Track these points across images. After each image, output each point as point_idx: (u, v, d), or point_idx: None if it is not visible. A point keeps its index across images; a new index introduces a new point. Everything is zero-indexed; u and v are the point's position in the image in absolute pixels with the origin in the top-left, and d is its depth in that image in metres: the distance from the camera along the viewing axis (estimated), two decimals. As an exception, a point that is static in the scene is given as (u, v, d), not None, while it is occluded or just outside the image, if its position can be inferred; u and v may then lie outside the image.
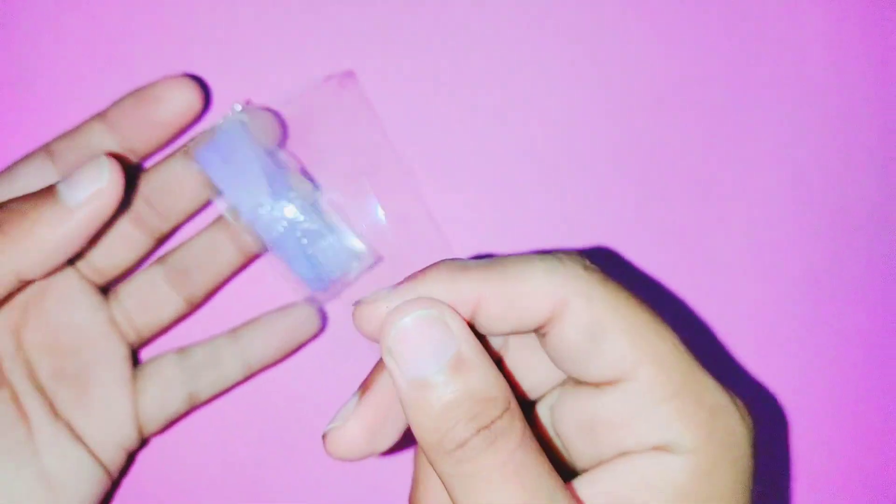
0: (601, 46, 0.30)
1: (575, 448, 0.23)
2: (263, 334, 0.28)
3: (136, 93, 0.27)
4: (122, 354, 0.27)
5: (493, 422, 0.19)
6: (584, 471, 0.23)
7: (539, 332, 0.21)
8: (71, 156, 0.26)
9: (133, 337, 0.28)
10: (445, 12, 0.30)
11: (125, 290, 0.28)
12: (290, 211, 0.27)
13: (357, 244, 0.28)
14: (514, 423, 0.19)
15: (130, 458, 0.28)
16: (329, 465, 0.29)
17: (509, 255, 0.21)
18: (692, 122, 0.31)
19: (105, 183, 0.23)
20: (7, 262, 0.23)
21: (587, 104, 0.30)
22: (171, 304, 0.28)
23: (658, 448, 0.20)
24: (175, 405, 0.28)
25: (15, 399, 0.26)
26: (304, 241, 0.27)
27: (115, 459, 0.27)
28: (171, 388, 0.28)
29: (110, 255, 0.27)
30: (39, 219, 0.23)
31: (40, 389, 0.27)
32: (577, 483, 0.20)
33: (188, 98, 0.26)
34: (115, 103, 0.27)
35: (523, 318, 0.20)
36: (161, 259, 0.28)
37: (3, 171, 0.26)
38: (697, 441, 0.20)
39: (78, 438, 0.27)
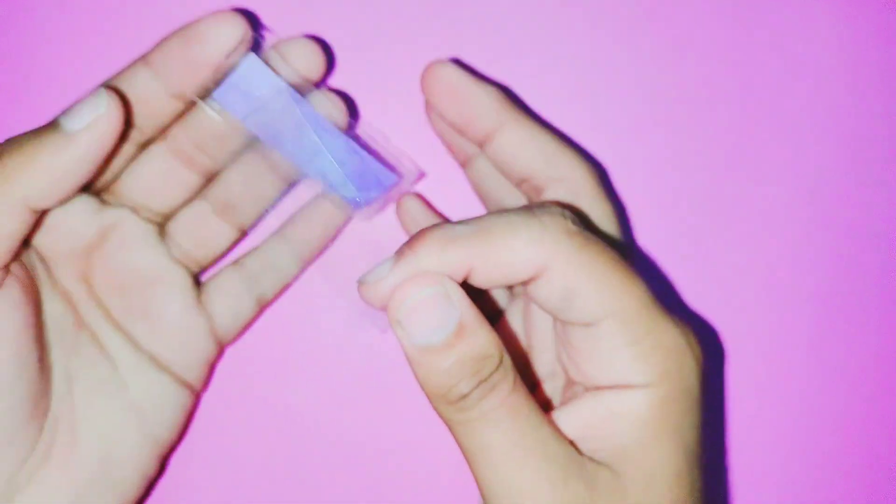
0: (607, 52, 0.31)
1: (540, 350, 0.26)
2: (306, 226, 0.29)
3: (180, 32, 0.25)
4: (187, 284, 0.28)
5: (490, 375, 0.21)
6: (544, 378, 0.27)
7: (523, 284, 0.23)
8: None
9: (194, 268, 0.29)
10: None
11: (176, 229, 0.28)
12: (319, 136, 0.25)
13: (399, 163, 0.27)
14: (507, 374, 0.22)
15: (212, 369, 0.30)
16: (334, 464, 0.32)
17: (494, 217, 0.22)
18: (699, 126, 0.32)
19: (103, 109, 0.23)
20: (12, 192, 0.23)
21: (584, 112, 0.31)
22: (224, 235, 0.29)
23: (621, 386, 0.22)
24: (246, 312, 0.29)
25: (95, 340, 0.27)
26: (338, 163, 0.26)
27: (199, 375, 0.29)
28: (238, 300, 0.29)
29: (166, 197, 0.28)
30: (40, 147, 0.23)
31: (118, 328, 0.27)
32: (555, 415, 0.23)
33: (237, 34, 0.24)
34: (158, 45, 0.25)
35: (509, 278, 0.22)
36: (203, 193, 0.28)
37: None
38: (654, 378, 0.22)
39: (161, 366, 0.28)
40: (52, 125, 0.23)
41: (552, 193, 0.26)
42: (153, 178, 0.27)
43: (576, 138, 0.32)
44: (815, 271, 0.33)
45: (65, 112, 0.23)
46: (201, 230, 0.28)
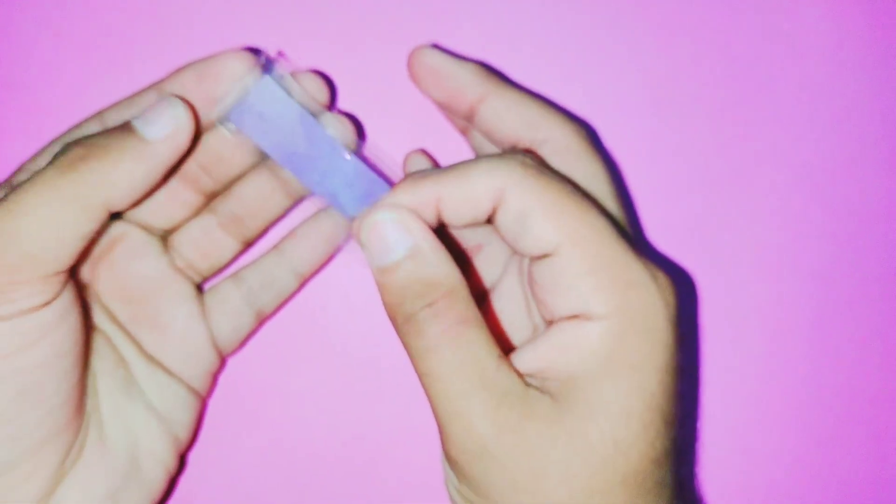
0: (601, 44, 0.32)
1: (516, 311, 0.28)
2: (305, 242, 0.30)
3: (195, 66, 0.26)
4: (190, 294, 0.29)
5: (435, 301, 0.23)
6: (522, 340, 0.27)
7: (490, 221, 0.24)
8: None
9: (197, 278, 0.30)
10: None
11: (181, 240, 0.29)
12: (330, 157, 0.26)
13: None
14: (456, 304, 0.23)
15: (215, 378, 0.31)
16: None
17: (463, 161, 0.24)
18: (695, 119, 0.33)
19: (181, 121, 0.24)
20: (96, 194, 0.23)
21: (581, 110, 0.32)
22: (228, 248, 0.30)
23: (577, 316, 0.23)
24: (245, 327, 0.30)
25: (110, 343, 0.28)
26: (347, 183, 0.27)
27: (204, 384, 0.30)
28: (238, 315, 0.30)
29: (167, 216, 0.28)
30: (124, 152, 0.24)
31: (127, 334, 0.28)
32: (516, 354, 0.24)
33: (247, 72, 0.26)
34: (173, 75, 0.26)
35: (475, 209, 0.24)
36: (211, 207, 0.29)
37: (58, 142, 0.27)
38: (610, 310, 0.22)
39: (169, 373, 0.29)
40: (128, 129, 0.24)
41: (541, 154, 0.27)
42: (156, 198, 0.28)
43: (566, 103, 0.32)
44: (800, 234, 0.34)
45: (142, 118, 0.24)
46: (206, 242, 0.29)
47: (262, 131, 0.26)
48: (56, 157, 0.23)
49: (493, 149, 0.29)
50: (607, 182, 0.27)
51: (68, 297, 0.24)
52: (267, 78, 0.26)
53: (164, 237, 0.29)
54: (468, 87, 0.27)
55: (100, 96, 0.28)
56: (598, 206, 0.24)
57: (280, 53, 0.28)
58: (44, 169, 0.23)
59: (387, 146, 0.31)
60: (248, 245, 0.30)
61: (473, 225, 0.25)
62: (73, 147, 0.24)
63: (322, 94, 0.28)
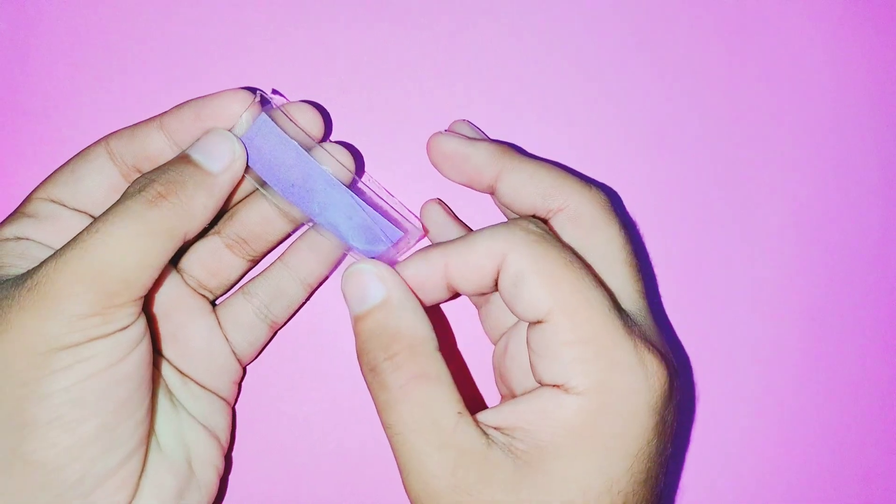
0: (596, 56, 0.32)
1: (510, 374, 0.28)
2: (309, 253, 0.31)
3: (194, 105, 0.27)
4: (206, 310, 0.30)
5: (397, 353, 0.24)
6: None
7: (496, 286, 0.25)
8: (129, 157, 0.28)
9: (209, 297, 0.31)
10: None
11: (190, 261, 0.30)
12: (325, 192, 0.27)
13: (403, 218, 0.28)
14: (416, 358, 0.24)
15: (239, 386, 0.32)
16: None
17: (474, 230, 0.25)
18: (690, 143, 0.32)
19: (237, 151, 0.26)
20: (179, 225, 0.25)
21: (577, 132, 0.32)
22: (236, 266, 0.31)
23: (557, 385, 0.23)
24: (260, 338, 0.31)
25: None
26: (345, 216, 0.27)
27: (230, 392, 0.31)
28: (252, 328, 0.31)
29: None
30: (198, 187, 0.25)
31: (157, 350, 0.29)
32: (487, 412, 0.24)
33: (244, 110, 0.27)
34: (175, 111, 0.28)
35: (480, 273, 0.25)
36: (216, 230, 0.30)
37: (65, 169, 0.28)
38: (589, 385, 0.23)
39: (198, 384, 0.30)
40: (191, 163, 0.26)
41: (556, 223, 0.27)
42: None
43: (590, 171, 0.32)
44: (823, 321, 0.33)
45: (200, 151, 0.26)
46: (213, 262, 0.30)
47: (261, 166, 0.27)
48: (132, 191, 0.25)
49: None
50: (621, 249, 0.26)
51: (144, 322, 0.26)
52: (263, 116, 0.27)
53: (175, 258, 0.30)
54: (484, 167, 0.28)
55: (97, 122, 0.30)
56: (598, 278, 0.25)
57: (275, 91, 0.30)
58: (126, 203, 0.25)
59: (397, 180, 0.33)
60: (255, 262, 0.32)
61: (482, 291, 0.25)
62: (147, 182, 0.25)
63: (318, 127, 0.29)
